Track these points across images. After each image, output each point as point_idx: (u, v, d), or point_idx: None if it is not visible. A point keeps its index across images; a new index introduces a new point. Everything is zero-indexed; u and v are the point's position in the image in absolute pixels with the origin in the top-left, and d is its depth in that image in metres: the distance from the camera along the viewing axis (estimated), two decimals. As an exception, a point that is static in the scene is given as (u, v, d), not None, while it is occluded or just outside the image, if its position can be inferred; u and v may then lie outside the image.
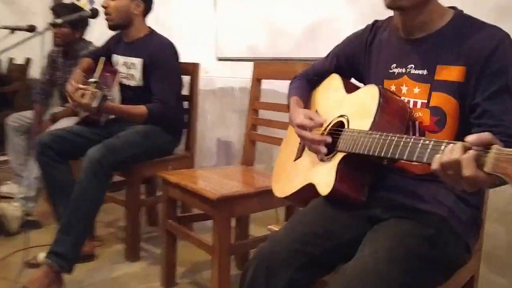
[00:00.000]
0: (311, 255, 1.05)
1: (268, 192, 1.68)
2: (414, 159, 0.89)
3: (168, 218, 1.93)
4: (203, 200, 1.67)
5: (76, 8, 2.93)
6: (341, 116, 1.19)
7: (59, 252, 1.85)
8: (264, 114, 2.16)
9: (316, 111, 1.31)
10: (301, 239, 1.06)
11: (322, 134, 1.24)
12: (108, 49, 2.39)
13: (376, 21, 1.27)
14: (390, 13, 1.19)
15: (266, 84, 2.17)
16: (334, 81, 1.32)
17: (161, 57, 2.17)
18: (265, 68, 2.09)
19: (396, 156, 0.93)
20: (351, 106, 1.18)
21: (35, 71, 4.64)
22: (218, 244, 1.64)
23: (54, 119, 2.73)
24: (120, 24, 2.19)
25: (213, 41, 2.85)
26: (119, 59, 2.28)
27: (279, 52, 2.40)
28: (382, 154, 0.96)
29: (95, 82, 1.84)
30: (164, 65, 2.17)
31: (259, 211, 1.76)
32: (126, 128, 2.17)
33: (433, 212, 1.05)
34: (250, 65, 2.65)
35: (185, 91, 2.41)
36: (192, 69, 2.40)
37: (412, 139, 0.91)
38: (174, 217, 1.94)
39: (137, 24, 2.22)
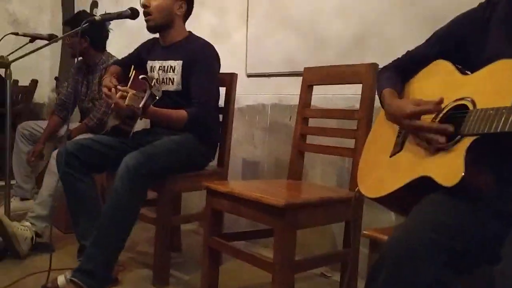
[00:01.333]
0: (453, 251, 0.87)
1: (335, 203, 1.54)
2: None
3: (212, 235, 1.72)
4: (263, 209, 1.47)
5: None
6: (460, 99, 1.04)
7: (88, 269, 1.62)
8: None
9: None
10: (439, 230, 0.88)
11: (433, 121, 1.09)
12: (138, 56, 2.24)
13: None
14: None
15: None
16: (443, 66, 1.18)
17: (203, 58, 2.01)
18: (317, 73, 1.95)
19: None
20: (477, 85, 1.04)
21: (41, 95, 4.49)
22: (281, 259, 1.43)
23: (69, 137, 2.56)
24: (162, 24, 2.04)
25: (242, 57, 2.73)
26: (155, 64, 2.12)
27: (321, 64, 2.28)
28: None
29: (143, 78, 1.65)
30: (206, 66, 2.01)
31: (323, 224, 1.57)
32: (159, 138, 1.99)
33: None
34: (283, 80, 2.56)
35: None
36: (229, 79, 2.26)
37: None
38: (219, 234, 1.74)
39: (178, 26, 2.08)
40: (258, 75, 2.67)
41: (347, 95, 2.09)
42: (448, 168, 0.97)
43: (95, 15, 1.91)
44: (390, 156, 1.18)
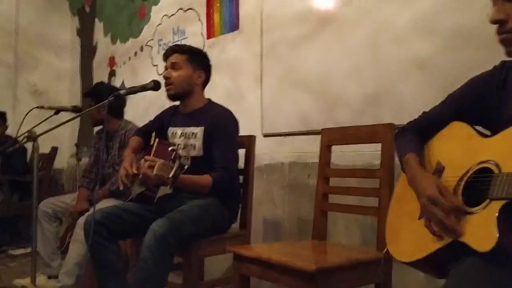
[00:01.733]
0: None
1: (365, 265, 1.54)
2: None
3: (241, 301, 1.72)
4: (294, 274, 1.48)
5: (113, 88, 2.95)
6: (483, 162, 1.08)
7: None
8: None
9: (438, 163, 1.20)
10: None
11: (457, 187, 1.11)
12: (160, 124, 2.32)
13: (504, 61, 1.20)
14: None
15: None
16: (461, 128, 1.22)
17: (223, 124, 2.10)
18: (334, 133, 2.00)
19: None
20: (500, 148, 1.07)
21: (60, 161, 4.59)
22: (314, 326, 1.42)
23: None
24: (181, 94, 2.15)
25: (258, 117, 2.81)
26: (176, 131, 2.20)
27: (336, 123, 2.33)
28: None
29: (172, 149, 1.70)
30: (227, 132, 2.09)
31: None
32: (183, 203, 2.03)
33: None
34: (299, 139, 2.61)
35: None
36: (247, 141, 2.32)
37: None
38: (247, 299, 1.73)
39: (197, 94, 2.18)
40: (274, 134, 2.73)
41: (366, 151, 2.12)
42: (481, 233, 0.98)
43: (117, 87, 2.01)
44: (419, 218, 1.19)
